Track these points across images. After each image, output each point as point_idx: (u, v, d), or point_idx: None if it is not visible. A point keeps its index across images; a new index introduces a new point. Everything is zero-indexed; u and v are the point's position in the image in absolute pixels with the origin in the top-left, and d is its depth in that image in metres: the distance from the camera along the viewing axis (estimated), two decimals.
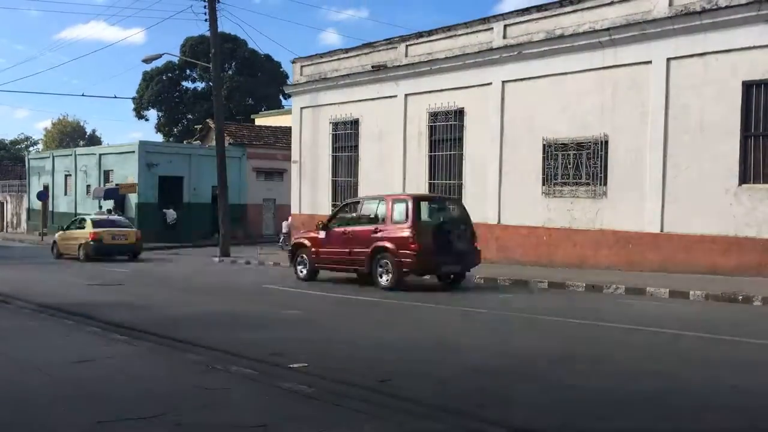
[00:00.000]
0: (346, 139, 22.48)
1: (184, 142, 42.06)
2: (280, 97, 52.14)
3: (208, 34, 26.10)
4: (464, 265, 13.90)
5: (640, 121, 15.45)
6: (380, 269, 13.52)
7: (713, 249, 14.27)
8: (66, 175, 39.49)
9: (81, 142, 75.31)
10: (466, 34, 18.94)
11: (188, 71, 55.00)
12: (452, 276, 14.10)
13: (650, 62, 15.29)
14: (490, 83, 18.33)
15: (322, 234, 15.08)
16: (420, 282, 14.65)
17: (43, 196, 38.75)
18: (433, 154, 19.81)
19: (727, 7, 13.98)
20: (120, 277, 17.53)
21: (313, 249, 15.15)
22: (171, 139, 53.10)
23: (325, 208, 22.96)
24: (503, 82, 18.06)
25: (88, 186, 36.42)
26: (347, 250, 14.28)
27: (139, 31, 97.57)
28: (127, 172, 33.73)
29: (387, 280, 13.38)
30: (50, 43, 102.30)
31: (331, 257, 14.80)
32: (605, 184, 16.02)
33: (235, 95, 51.62)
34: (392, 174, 20.82)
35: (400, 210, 13.56)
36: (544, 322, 9.69)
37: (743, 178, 14.02)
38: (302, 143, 24.11)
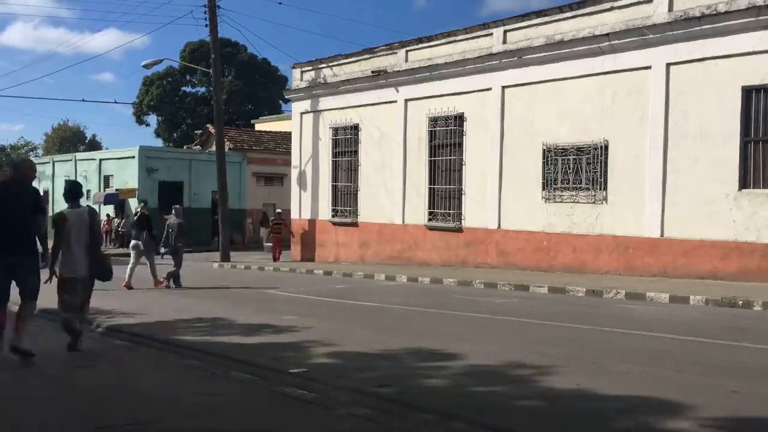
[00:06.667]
0: (346, 144, 22.49)
1: (184, 147, 42.03)
2: (280, 101, 52.20)
3: (208, 39, 26.17)
4: None
5: (640, 126, 15.46)
6: None
7: (713, 254, 14.26)
8: (66, 180, 39.53)
9: (81, 147, 75.33)
10: (466, 39, 18.96)
11: (188, 76, 55.07)
12: None
13: (650, 67, 15.30)
14: (490, 88, 18.34)
15: None
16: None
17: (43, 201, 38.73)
18: (433, 159, 19.81)
19: (726, 12, 14.00)
20: (120, 281, 17.48)
21: None
22: (171, 144, 53.13)
23: (326, 213, 22.97)
24: (503, 87, 18.06)
25: (89, 191, 36.41)
26: None
27: (140, 37, 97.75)
28: (127, 178, 33.74)
29: None
30: (50, 47, 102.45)
31: None
32: (605, 188, 16.01)
33: (234, 100, 51.66)
34: (392, 179, 20.83)
35: None
36: (544, 327, 9.68)
37: (743, 183, 14.01)
38: (302, 148, 24.12)
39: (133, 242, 16.10)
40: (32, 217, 7.10)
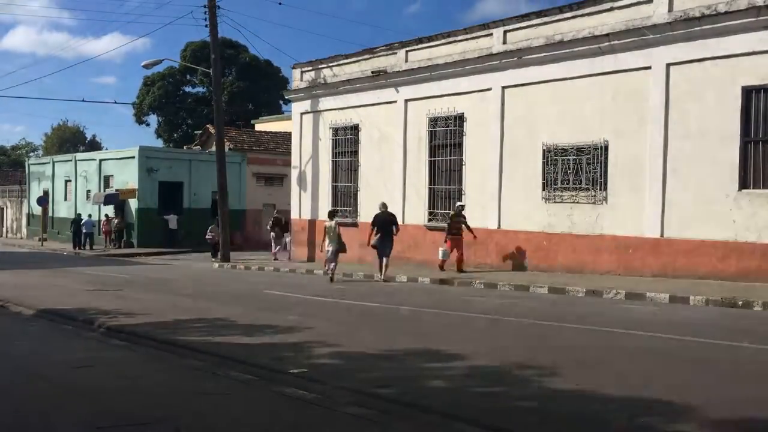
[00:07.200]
0: (346, 144, 22.48)
1: (184, 147, 42.03)
2: (281, 102, 52.19)
3: (208, 39, 26.18)
4: None
5: (640, 127, 15.45)
6: None
7: (713, 254, 14.25)
8: (66, 181, 39.51)
9: (81, 147, 75.37)
10: (466, 39, 18.96)
11: (189, 76, 55.03)
12: None
13: (650, 68, 15.29)
14: (489, 89, 18.33)
15: None
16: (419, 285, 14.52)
17: (43, 201, 38.75)
18: (433, 159, 19.81)
19: (726, 13, 14.00)
20: (120, 282, 17.52)
21: None
22: (171, 145, 53.11)
23: (326, 214, 22.92)
24: (503, 87, 18.05)
25: (89, 191, 36.42)
26: None
27: (139, 38, 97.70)
28: (127, 178, 33.74)
29: None
30: (53, 51, 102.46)
31: None
32: (605, 189, 16.01)
33: (235, 100, 51.65)
34: (392, 179, 20.83)
35: None
36: (545, 327, 9.68)
37: (743, 184, 14.00)
38: (302, 148, 24.11)
39: (272, 233, 25.64)
40: (394, 226, 17.23)
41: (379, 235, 16.85)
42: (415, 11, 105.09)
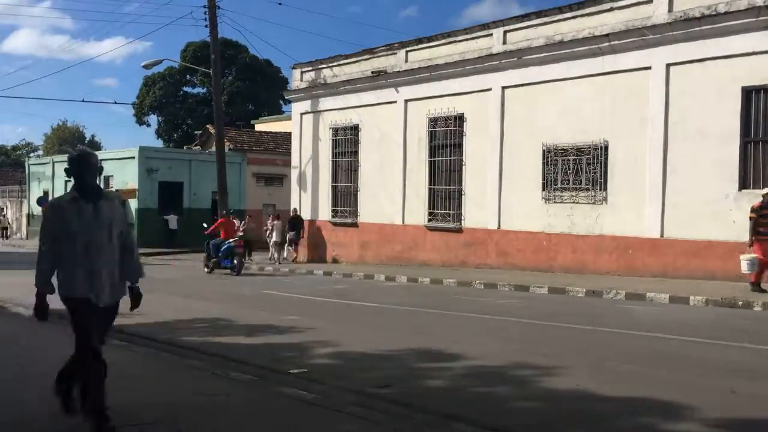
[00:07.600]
0: (346, 144, 22.48)
1: (184, 147, 42.02)
2: (281, 102, 52.15)
3: (208, 39, 26.17)
4: None
5: (640, 127, 15.46)
6: None
7: (713, 254, 14.25)
8: (66, 181, 39.40)
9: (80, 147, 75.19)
10: (466, 40, 18.97)
11: (189, 76, 55.00)
12: None
13: (650, 68, 15.30)
14: (489, 89, 18.33)
15: None
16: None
17: (42, 201, 38.69)
18: (433, 159, 19.81)
19: (726, 13, 14.01)
20: None
21: None
22: (171, 145, 53.06)
23: (325, 214, 22.97)
24: (503, 87, 18.06)
25: None
26: None
27: (139, 39, 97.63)
28: (127, 178, 33.71)
29: None
30: (54, 54, 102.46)
31: None
32: (605, 189, 16.02)
33: (235, 101, 51.62)
34: (392, 179, 20.83)
35: None
36: (545, 328, 9.68)
37: (743, 184, 14.01)
38: (302, 149, 24.12)
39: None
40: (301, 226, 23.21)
41: (295, 231, 22.97)
42: (411, 14, 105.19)
